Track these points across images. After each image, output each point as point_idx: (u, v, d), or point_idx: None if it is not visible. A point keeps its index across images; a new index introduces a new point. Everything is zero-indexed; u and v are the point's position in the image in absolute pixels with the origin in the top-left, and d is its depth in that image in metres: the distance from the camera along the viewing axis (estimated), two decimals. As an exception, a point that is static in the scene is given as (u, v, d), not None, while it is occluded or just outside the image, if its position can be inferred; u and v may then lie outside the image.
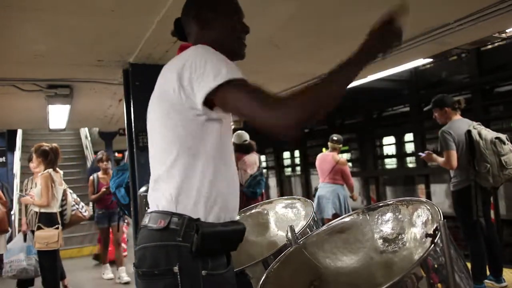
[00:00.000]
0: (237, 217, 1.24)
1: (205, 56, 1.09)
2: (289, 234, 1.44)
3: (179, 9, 1.38)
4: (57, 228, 3.88)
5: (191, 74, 1.08)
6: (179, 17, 1.32)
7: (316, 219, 1.64)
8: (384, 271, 1.31)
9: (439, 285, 0.97)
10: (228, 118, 1.22)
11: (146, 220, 1.16)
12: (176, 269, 1.07)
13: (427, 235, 1.12)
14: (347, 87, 1.05)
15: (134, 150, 3.45)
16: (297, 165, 13.63)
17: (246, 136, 4.39)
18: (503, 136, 3.26)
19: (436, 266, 0.97)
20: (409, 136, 9.79)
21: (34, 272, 4.09)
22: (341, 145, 5.28)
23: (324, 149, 5.48)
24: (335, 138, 5.21)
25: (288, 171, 14.18)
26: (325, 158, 5.19)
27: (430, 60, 4.92)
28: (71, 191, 4.36)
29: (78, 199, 4.40)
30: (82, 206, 4.35)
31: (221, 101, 1.07)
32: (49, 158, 3.99)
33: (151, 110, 1.22)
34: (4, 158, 8.06)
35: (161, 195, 1.15)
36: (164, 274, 1.08)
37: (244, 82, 1.06)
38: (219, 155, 1.16)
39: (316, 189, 5.28)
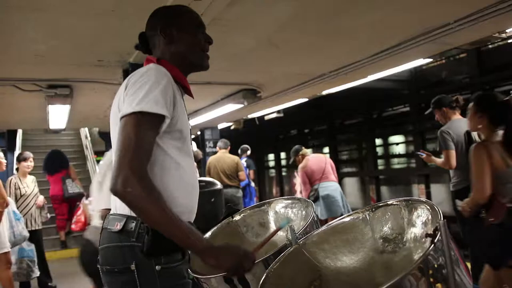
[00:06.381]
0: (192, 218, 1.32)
1: (144, 80, 1.18)
2: (289, 234, 1.45)
3: (179, 9, 1.39)
4: None
5: (128, 90, 1.21)
6: (144, 31, 1.41)
7: (316, 219, 1.64)
8: (384, 271, 1.32)
9: (439, 285, 0.97)
10: (184, 126, 1.28)
11: (106, 223, 1.27)
12: (133, 267, 1.18)
13: (427, 235, 1.12)
14: (164, 232, 1.11)
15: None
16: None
17: None
18: (503, 137, 3.25)
19: (436, 266, 0.97)
20: (409, 136, 9.79)
21: (26, 276, 4.11)
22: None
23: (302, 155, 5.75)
24: (302, 147, 5.70)
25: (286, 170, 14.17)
26: (319, 158, 5.58)
27: (430, 60, 4.92)
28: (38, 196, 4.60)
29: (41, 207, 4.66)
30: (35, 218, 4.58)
31: (121, 124, 1.15)
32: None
33: (112, 113, 1.30)
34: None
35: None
36: (123, 271, 1.20)
37: (145, 122, 1.12)
38: (171, 161, 1.23)
39: (315, 190, 5.34)
